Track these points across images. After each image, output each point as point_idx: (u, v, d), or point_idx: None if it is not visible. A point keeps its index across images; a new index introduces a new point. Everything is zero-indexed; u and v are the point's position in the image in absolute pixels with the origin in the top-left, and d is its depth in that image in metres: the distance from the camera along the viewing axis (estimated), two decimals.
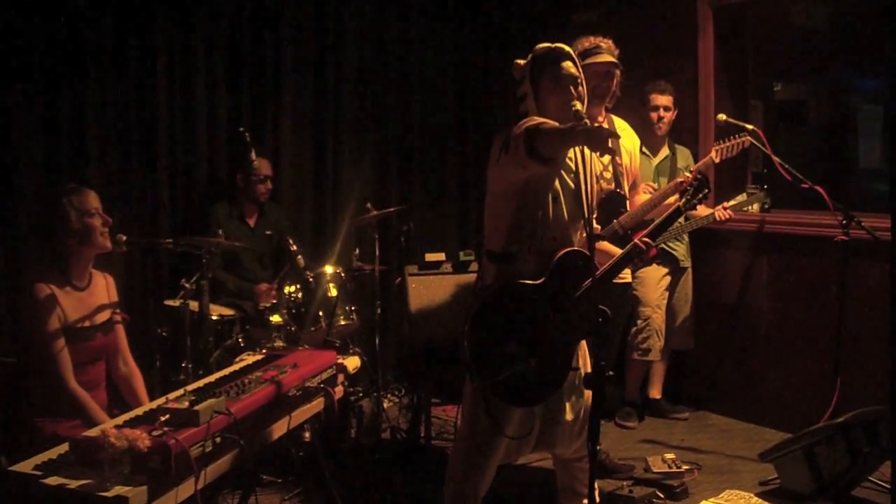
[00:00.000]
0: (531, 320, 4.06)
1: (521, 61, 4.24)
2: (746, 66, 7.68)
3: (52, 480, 3.03)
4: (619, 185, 5.34)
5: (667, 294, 7.03)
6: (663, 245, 6.68)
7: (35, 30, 6.01)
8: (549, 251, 4.12)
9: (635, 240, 4.44)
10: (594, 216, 4.11)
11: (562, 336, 4.12)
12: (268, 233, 6.87)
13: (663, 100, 6.86)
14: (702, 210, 6.30)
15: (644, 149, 6.49)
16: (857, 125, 9.33)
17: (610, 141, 3.57)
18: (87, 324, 4.49)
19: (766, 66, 8.14)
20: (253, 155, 6.34)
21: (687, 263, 7.10)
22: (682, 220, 6.19)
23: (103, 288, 4.69)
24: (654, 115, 6.83)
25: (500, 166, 4.07)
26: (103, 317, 4.61)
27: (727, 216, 6.14)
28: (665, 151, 6.97)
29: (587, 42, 5.26)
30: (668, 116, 6.88)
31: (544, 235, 4.12)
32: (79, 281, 4.53)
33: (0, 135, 5.96)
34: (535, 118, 3.99)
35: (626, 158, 5.45)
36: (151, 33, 6.64)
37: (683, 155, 7.04)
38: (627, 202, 5.39)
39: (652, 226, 4.62)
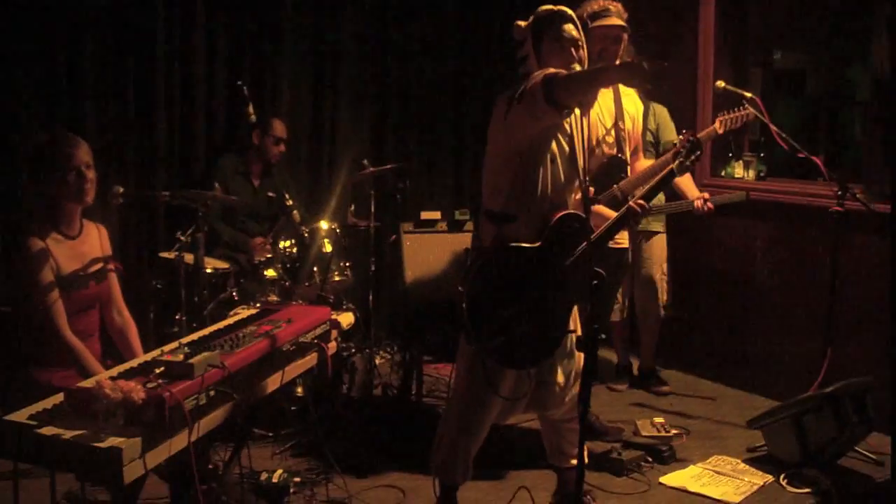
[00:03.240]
0: (527, 283, 4.08)
1: (523, 23, 4.23)
2: (746, 34, 7.67)
3: (47, 430, 3.04)
4: (620, 149, 5.33)
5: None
6: None
7: None
8: (546, 213, 4.13)
9: (630, 203, 4.46)
10: (588, 179, 4.11)
11: (558, 299, 4.14)
12: (270, 194, 6.86)
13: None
14: (689, 192, 6.25)
15: None
16: (855, 96, 9.32)
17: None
18: (79, 272, 4.48)
19: (766, 34, 8.12)
20: (251, 108, 6.33)
21: (652, 227, 6.84)
22: (662, 198, 6.21)
23: (96, 238, 4.68)
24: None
25: (508, 123, 4.07)
26: (96, 266, 4.61)
27: (707, 209, 6.05)
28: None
29: (596, 4, 5.24)
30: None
31: (542, 197, 4.13)
32: (69, 230, 4.51)
33: None
34: (551, 69, 3.99)
35: (629, 123, 5.43)
36: None
37: (661, 114, 6.81)
38: (629, 167, 5.39)
39: (646, 188, 4.63)
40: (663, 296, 6.97)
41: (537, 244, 4.08)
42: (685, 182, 6.27)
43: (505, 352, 4.05)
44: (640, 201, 4.47)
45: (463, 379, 4.30)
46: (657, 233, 6.89)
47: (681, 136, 4.92)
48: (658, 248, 6.91)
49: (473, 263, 4.15)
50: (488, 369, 4.10)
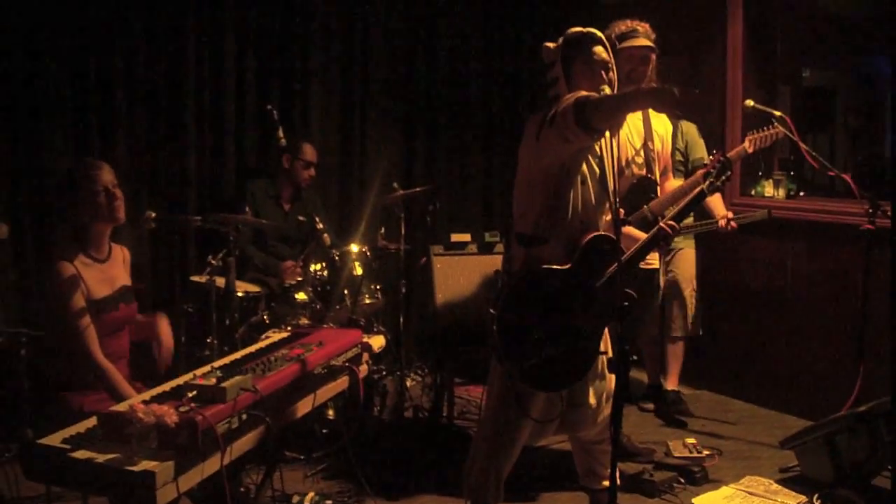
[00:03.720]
0: (559, 306, 4.07)
1: (551, 45, 4.23)
2: (775, 52, 7.66)
3: (80, 454, 3.06)
4: (650, 170, 5.32)
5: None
6: None
7: (64, 5, 6.05)
8: (577, 235, 4.13)
9: (661, 223, 4.45)
10: (618, 200, 4.11)
11: (589, 321, 4.13)
12: (300, 218, 6.89)
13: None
14: (716, 211, 6.24)
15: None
16: (884, 113, 9.28)
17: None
18: (109, 294, 4.53)
19: (795, 51, 8.10)
20: (280, 132, 6.37)
21: (680, 244, 6.78)
22: (690, 216, 6.19)
23: (122, 260, 4.73)
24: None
25: (540, 146, 4.06)
26: (124, 287, 4.66)
27: (730, 228, 6.05)
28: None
29: (624, 25, 5.25)
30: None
31: (573, 219, 4.13)
32: (98, 253, 4.56)
33: (30, 111, 6.01)
34: (582, 92, 3.99)
35: (658, 143, 5.43)
36: (181, 6, 6.66)
37: (689, 132, 6.70)
38: (658, 188, 5.38)
39: (676, 209, 4.62)
40: (692, 313, 6.89)
41: (567, 266, 4.08)
42: (714, 201, 6.26)
43: (536, 374, 4.04)
44: (671, 222, 4.47)
45: (494, 401, 4.29)
46: (684, 249, 6.83)
47: (711, 157, 4.92)
48: (687, 264, 6.86)
49: (504, 286, 4.15)
50: (519, 392, 4.10)
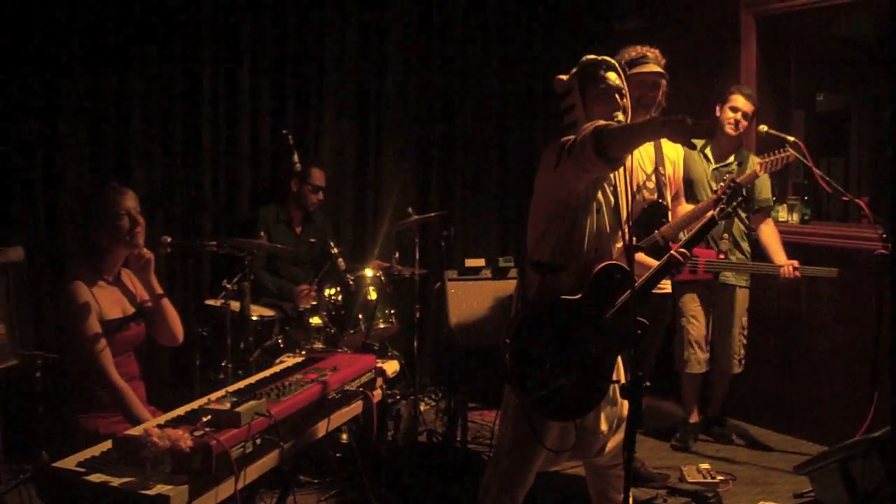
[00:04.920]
0: (571, 335, 4.07)
1: (564, 76, 4.26)
2: (789, 76, 7.68)
3: (95, 477, 3.08)
4: (661, 195, 5.33)
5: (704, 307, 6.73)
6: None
7: (81, 31, 6.10)
8: (590, 263, 4.14)
9: (672, 252, 4.45)
10: (630, 225, 4.11)
11: (601, 349, 4.12)
12: (311, 241, 6.91)
13: (744, 104, 6.43)
14: (779, 259, 6.29)
15: (707, 151, 6.47)
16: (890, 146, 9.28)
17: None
18: (121, 316, 4.55)
19: (809, 76, 8.11)
20: (296, 157, 6.39)
21: (733, 281, 6.67)
22: (745, 257, 6.22)
23: (132, 283, 4.76)
24: (731, 117, 6.44)
25: (558, 175, 4.05)
26: (134, 307, 4.69)
27: (794, 277, 6.13)
28: (731, 159, 6.58)
29: (634, 52, 5.27)
30: (744, 124, 6.47)
31: (588, 248, 4.13)
32: (109, 275, 4.60)
33: (47, 135, 6.05)
34: (599, 121, 4.00)
35: (670, 168, 5.45)
36: (197, 33, 6.71)
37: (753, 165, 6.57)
38: (670, 213, 5.38)
39: (687, 236, 4.61)
40: (741, 350, 6.80)
41: (579, 296, 4.08)
42: (773, 244, 6.34)
43: (549, 404, 4.04)
44: (682, 250, 4.46)
45: (509, 430, 4.29)
46: (741, 287, 6.73)
47: (721, 184, 4.92)
48: (741, 302, 6.76)
49: (517, 317, 4.15)
50: (535, 422, 4.10)
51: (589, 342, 4.09)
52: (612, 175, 4.20)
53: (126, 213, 4.50)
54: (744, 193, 4.84)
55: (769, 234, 6.56)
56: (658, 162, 5.37)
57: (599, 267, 4.11)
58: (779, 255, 6.35)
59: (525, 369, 3.99)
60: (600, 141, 3.82)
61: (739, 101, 6.44)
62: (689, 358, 6.70)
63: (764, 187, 6.63)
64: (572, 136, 4.00)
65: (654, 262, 4.68)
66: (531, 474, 4.28)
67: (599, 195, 4.16)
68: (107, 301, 4.50)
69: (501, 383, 4.30)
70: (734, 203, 4.72)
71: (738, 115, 6.44)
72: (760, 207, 6.57)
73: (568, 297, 4.07)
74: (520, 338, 4.02)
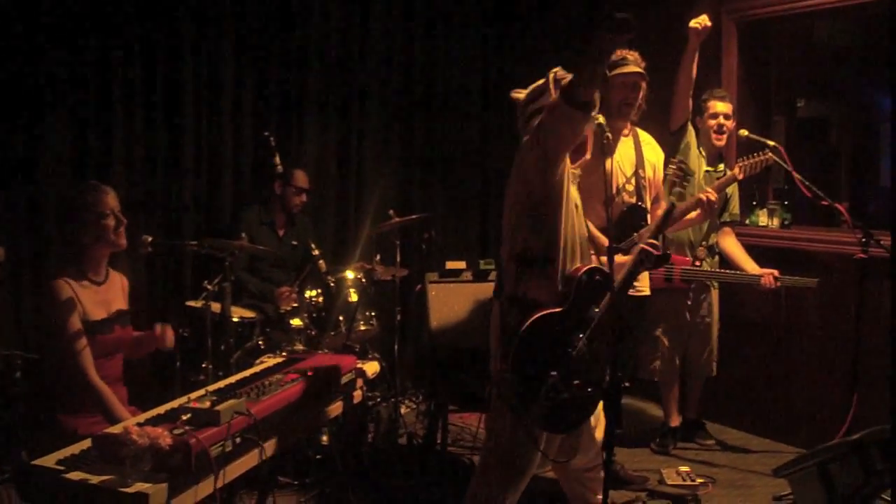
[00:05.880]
0: (565, 348, 4.04)
1: (520, 94, 4.28)
2: (769, 82, 7.71)
3: (75, 475, 3.08)
4: (640, 198, 5.35)
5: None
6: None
7: (63, 32, 6.09)
8: (566, 260, 4.11)
9: (640, 245, 4.44)
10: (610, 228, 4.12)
11: (592, 354, 4.11)
12: (293, 244, 6.91)
13: (723, 107, 6.51)
14: (751, 268, 6.32)
15: (701, 150, 6.49)
16: (879, 143, 9.33)
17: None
18: (104, 316, 4.56)
19: (790, 82, 8.15)
20: (277, 159, 6.39)
21: (708, 282, 6.69)
22: (716, 265, 6.26)
23: (119, 285, 4.77)
24: (713, 124, 6.50)
25: (538, 157, 4.00)
26: (119, 310, 4.68)
27: (774, 286, 6.18)
28: (721, 167, 6.60)
29: (614, 54, 5.30)
30: (729, 125, 6.53)
31: (566, 244, 4.12)
32: (95, 276, 4.61)
33: (28, 134, 6.04)
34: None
35: (650, 171, 5.47)
36: (179, 35, 6.71)
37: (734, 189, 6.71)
38: (649, 215, 5.40)
39: (651, 228, 4.63)
40: (716, 353, 6.84)
41: (565, 307, 4.06)
42: (740, 254, 6.42)
43: (555, 419, 4.02)
44: (651, 240, 4.46)
45: (506, 439, 4.23)
46: (714, 288, 6.75)
47: (667, 171, 4.97)
48: (716, 302, 6.79)
49: (511, 347, 4.06)
50: (534, 435, 4.08)
51: (580, 350, 4.07)
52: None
53: (111, 211, 4.52)
54: (691, 172, 4.88)
55: (734, 245, 6.64)
56: (638, 165, 5.40)
57: (580, 274, 4.09)
58: (749, 263, 6.40)
59: (529, 393, 3.97)
60: (567, 91, 3.80)
61: (717, 106, 6.51)
62: (661, 368, 6.70)
63: (735, 202, 6.72)
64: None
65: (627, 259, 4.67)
66: (527, 478, 4.25)
67: (575, 193, 4.16)
68: (90, 301, 4.50)
69: (482, 386, 4.29)
70: (684, 181, 4.76)
71: (720, 119, 6.48)
72: (729, 220, 6.62)
73: (553, 310, 4.04)
74: (519, 365, 3.98)
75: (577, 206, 4.19)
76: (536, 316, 4.02)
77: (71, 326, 4.36)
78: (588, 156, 4.25)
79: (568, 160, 4.07)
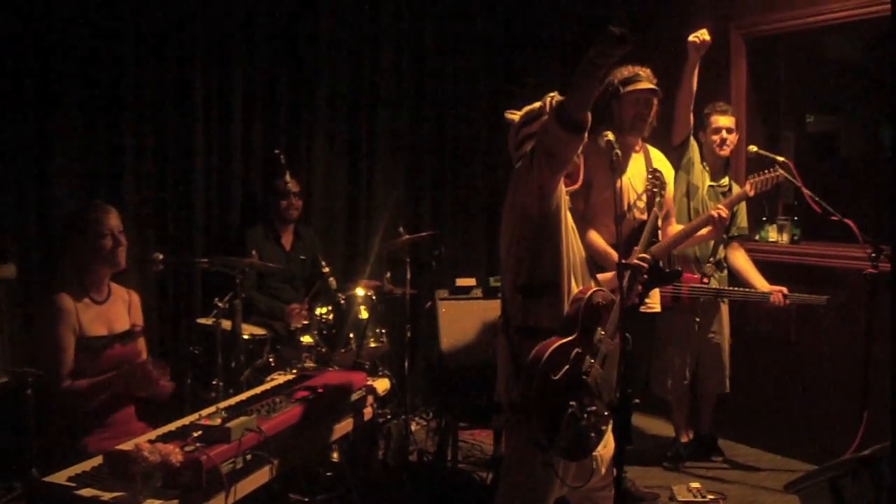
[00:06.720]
0: (580, 376, 4.01)
1: (515, 114, 4.27)
2: (778, 98, 7.72)
3: (86, 492, 3.10)
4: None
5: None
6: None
7: (74, 50, 6.10)
8: (570, 285, 4.10)
9: (632, 260, 4.40)
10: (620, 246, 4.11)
11: (604, 375, 4.09)
12: (302, 257, 6.91)
13: (725, 121, 6.50)
14: (760, 284, 6.33)
15: (705, 164, 6.49)
16: (888, 158, 9.30)
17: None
18: (104, 333, 4.57)
19: (799, 97, 8.15)
20: (287, 177, 6.41)
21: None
22: (724, 279, 6.25)
23: (123, 302, 4.78)
24: (716, 138, 6.49)
25: (534, 183, 4.00)
26: (122, 328, 4.69)
27: (783, 304, 6.18)
28: (725, 181, 6.62)
29: (626, 71, 5.32)
30: (732, 139, 6.53)
31: (567, 267, 4.10)
32: (97, 294, 4.63)
33: (39, 154, 6.05)
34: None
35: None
36: (189, 53, 6.71)
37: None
38: (660, 232, 5.40)
39: (641, 242, 4.64)
40: (727, 369, 6.78)
41: (574, 335, 4.02)
42: (750, 269, 6.39)
43: (576, 447, 3.99)
44: (642, 255, 4.43)
45: (526, 476, 4.14)
46: (723, 303, 6.71)
47: (720, 207, 4.95)
48: (726, 319, 6.75)
49: (530, 385, 4.00)
50: (553, 464, 4.05)
51: (592, 374, 4.04)
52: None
53: (109, 232, 4.53)
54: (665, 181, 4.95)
55: (744, 260, 6.63)
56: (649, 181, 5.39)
57: (585, 300, 4.05)
58: (758, 278, 6.39)
59: (552, 427, 3.91)
60: (558, 111, 3.79)
61: (720, 120, 6.51)
62: (672, 385, 6.68)
63: (743, 215, 6.70)
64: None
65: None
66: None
67: (570, 217, 4.14)
68: (89, 318, 4.52)
69: (492, 403, 4.26)
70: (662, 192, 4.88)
71: (723, 133, 6.48)
72: (737, 234, 6.61)
73: (565, 339, 3.97)
74: (542, 401, 3.92)
75: (573, 229, 4.17)
76: (552, 348, 3.95)
77: (60, 335, 4.39)
78: (579, 184, 4.21)
79: (562, 184, 4.05)
